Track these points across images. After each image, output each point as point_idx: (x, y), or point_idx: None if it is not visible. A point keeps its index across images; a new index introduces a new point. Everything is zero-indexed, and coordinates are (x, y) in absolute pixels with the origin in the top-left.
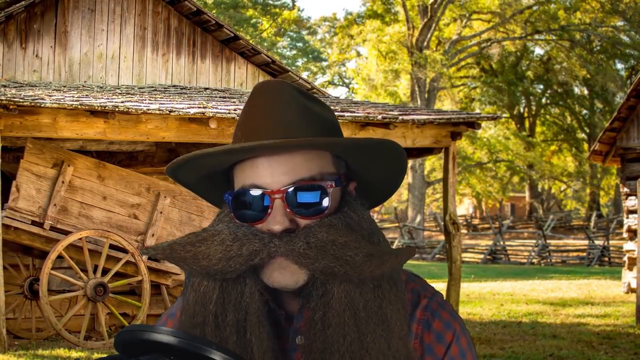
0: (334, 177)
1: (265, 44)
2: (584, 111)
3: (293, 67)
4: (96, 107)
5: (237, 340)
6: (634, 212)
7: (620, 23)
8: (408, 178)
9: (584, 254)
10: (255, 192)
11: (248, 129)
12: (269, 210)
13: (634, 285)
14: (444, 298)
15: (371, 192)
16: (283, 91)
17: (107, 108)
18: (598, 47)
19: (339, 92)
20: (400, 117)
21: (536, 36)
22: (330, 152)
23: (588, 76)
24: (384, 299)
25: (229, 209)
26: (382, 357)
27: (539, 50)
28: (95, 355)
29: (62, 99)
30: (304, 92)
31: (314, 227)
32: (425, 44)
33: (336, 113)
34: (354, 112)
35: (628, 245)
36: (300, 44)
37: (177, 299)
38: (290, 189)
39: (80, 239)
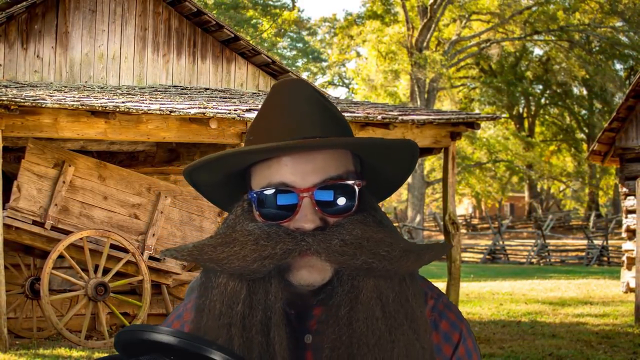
0: (356, 175)
1: (266, 45)
2: (583, 111)
3: (293, 68)
4: (97, 108)
5: (261, 340)
6: (632, 211)
7: (619, 24)
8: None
9: (583, 253)
10: (284, 191)
11: (272, 126)
12: (298, 209)
13: (632, 284)
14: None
15: (377, 189)
16: (304, 90)
17: (108, 108)
18: (597, 48)
19: (339, 92)
20: (400, 118)
21: (535, 37)
22: (355, 151)
23: (587, 76)
24: (409, 292)
25: (254, 207)
26: (412, 349)
27: (538, 51)
28: (96, 355)
29: (63, 99)
30: (318, 91)
31: (346, 224)
32: (424, 44)
33: None
34: (354, 112)
35: (627, 245)
36: (300, 45)
37: (184, 299)
38: (319, 188)
39: (81, 238)
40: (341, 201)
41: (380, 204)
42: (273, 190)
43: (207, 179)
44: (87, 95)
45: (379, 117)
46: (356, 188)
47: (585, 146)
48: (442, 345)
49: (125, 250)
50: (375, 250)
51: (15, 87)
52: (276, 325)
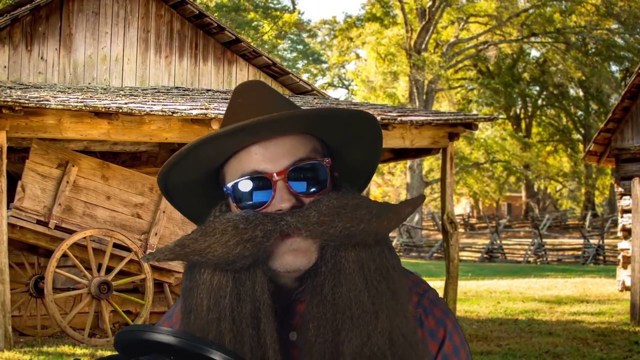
0: (324, 155)
1: (266, 47)
2: (579, 112)
3: (293, 69)
4: (100, 109)
5: (252, 333)
6: (628, 211)
7: (614, 26)
8: (407, 178)
9: (579, 252)
10: (257, 178)
11: (237, 122)
12: (273, 194)
13: (628, 283)
14: (439, 295)
15: (351, 179)
16: (264, 88)
17: (111, 109)
18: (593, 50)
19: (339, 93)
20: (399, 118)
21: (532, 39)
22: (316, 126)
23: (583, 78)
24: (389, 263)
25: (231, 199)
26: (396, 319)
27: (535, 53)
28: (99, 352)
29: (67, 100)
30: (278, 92)
31: (322, 198)
32: (423, 46)
33: None
34: None
35: (622, 244)
36: (300, 47)
37: (177, 300)
38: (291, 169)
39: (84, 237)
40: (314, 181)
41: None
42: (247, 179)
43: (181, 181)
44: (91, 97)
45: (378, 118)
46: (326, 167)
47: (581, 147)
48: (427, 342)
49: (128, 249)
50: (353, 215)
51: (20, 89)
52: (266, 317)
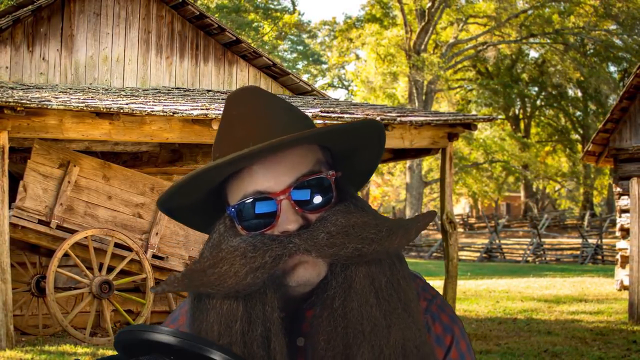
0: (328, 166)
1: (267, 47)
2: (578, 113)
3: (293, 70)
4: (101, 109)
5: (262, 354)
6: (626, 211)
7: (613, 27)
8: (406, 178)
9: (578, 252)
10: (260, 198)
11: (234, 138)
12: (278, 213)
13: (626, 282)
14: (443, 297)
15: (352, 178)
16: (259, 96)
17: (112, 110)
18: (591, 50)
19: (339, 94)
20: (399, 119)
21: (531, 39)
22: (320, 142)
23: (582, 78)
24: (400, 275)
25: (236, 221)
26: (408, 331)
27: (533, 53)
28: (101, 352)
29: (68, 100)
30: (273, 94)
31: (329, 216)
32: (422, 47)
33: (335, 115)
34: (353, 113)
35: (621, 244)
36: (300, 47)
37: (183, 301)
38: (295, 187)
39: (85, 237)
40: (319, 196)
41: (378, 204)
42: (250, 201)
43: (183, 203)
44: (92, 97)
45: (378, 118)
46: (331, 179)
47: (579, 147)
48: (434, 348)
49: (129, 249)
50: (362, 235)
51: (22, 89)
52: (276, 336)
